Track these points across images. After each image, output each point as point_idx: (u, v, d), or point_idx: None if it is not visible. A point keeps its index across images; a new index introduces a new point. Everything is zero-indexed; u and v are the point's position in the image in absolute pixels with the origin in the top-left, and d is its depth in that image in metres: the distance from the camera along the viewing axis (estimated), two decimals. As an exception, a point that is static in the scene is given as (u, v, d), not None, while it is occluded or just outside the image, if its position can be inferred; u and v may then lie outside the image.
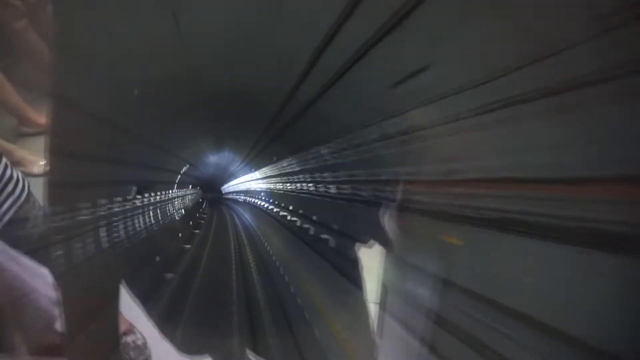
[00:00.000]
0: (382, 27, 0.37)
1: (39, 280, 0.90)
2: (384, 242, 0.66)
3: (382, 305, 0.73)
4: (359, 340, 0.75)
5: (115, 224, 0.63)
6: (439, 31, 0.35)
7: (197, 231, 0.74)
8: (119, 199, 0.64)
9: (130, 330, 1.15)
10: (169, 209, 0.71)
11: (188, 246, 0.73)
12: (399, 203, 0.56)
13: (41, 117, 1.93)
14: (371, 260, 0.73)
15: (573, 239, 0.30)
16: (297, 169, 0.63)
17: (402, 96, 0.43)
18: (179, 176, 0.72)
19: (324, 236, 0.68)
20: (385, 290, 0.70)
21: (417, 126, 0.45)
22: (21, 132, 1.98)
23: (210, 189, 0.73)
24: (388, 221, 0.60)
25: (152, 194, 0.69)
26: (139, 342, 1.15)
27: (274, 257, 0.72)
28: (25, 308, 0.87)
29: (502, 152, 0.36)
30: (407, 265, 0.62)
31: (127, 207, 0.65)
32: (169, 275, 0.72)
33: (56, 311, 0.90)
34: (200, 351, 0.85)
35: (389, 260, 0.69)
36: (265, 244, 0.74)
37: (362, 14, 0.39)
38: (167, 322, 0.78)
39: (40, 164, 1.79)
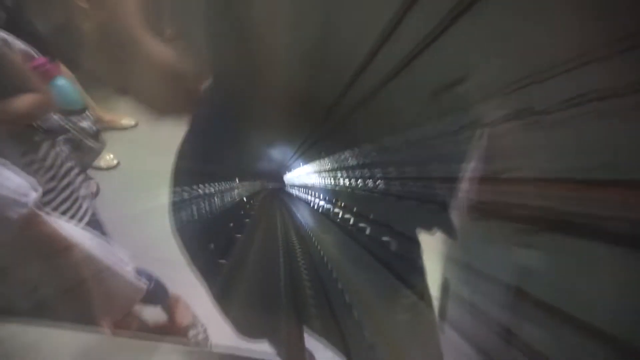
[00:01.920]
0: (441, 22, 0.38)
1: (115, 258, 1.01)
2: (444, 243, 0.66)
3: (442, 313, 0.72)
4: (411, 345, 0.76)
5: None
6: (500, 26, 0.35)
7: (247, 220, 0.79)
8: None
9: (194, 324, 1.24)
10: (226, 199, 0.77)
11: (239, 235, 0.78)
12: (462, 202, 0.56)
13: (107, 115, 2.13)
14: (431, 263, 0.73)
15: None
16: (350, 164, 0.65)
17: (463, 93, 0.44)
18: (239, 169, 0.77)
19: (384, 238, 0.69)
20: (445, 296, 0.70)
21: (480, 122, 0.45)
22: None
23: (273, 179, 0.78)
24: (450, 221, 0.60)
25: (213, 184, 0.75)
26: (200, 337, 1.23)
27: (322, 254, 0.75)
28: (104, 282, 0.97)
29: (564, 153, 0.35)
30: (471, 270, 0.62)
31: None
32: (222, 262, 0.79)
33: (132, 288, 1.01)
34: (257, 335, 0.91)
35: (450, 263, 0.69)
36: (315, 242, 0.76)
37: (423, 8, 0.40)
38: (223, 304, 0.85)
39: (108, 158, 1.97)
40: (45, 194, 0.97)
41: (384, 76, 0.51)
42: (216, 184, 0.76)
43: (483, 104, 0.42)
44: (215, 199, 0.77)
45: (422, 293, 0.73)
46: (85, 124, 1.13)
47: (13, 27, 1.37)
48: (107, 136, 2.12)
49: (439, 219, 0.63)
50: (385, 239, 0.69)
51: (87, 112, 1.12)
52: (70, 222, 1.04)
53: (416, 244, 0.70)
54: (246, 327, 0.93)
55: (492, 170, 0.48)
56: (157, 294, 1.39)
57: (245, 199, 0.78)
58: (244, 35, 0.60)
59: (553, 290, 0.41)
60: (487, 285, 0.54)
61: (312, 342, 0.93)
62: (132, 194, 1.79)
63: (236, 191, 0.78)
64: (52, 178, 1.02)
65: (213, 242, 0.80)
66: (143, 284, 1.09)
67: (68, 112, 1.09)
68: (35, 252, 0.85)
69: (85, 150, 1.15)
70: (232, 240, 0.78)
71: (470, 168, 0.51)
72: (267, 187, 0.80)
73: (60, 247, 0.88)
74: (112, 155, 2.01)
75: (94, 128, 1.15)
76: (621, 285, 0.33)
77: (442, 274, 0.70)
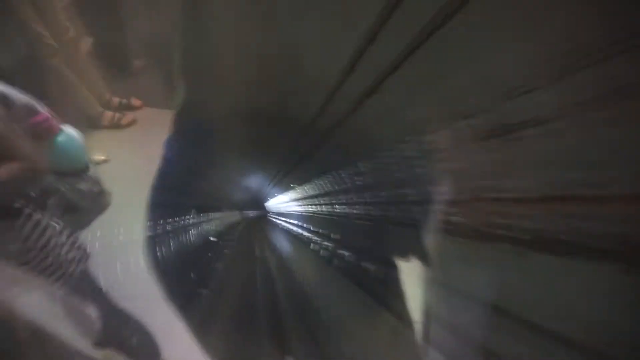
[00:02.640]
0: (412, 41, 0.39)
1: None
2: (423, 265, 0.67)
3: (426, 335, 0.73)
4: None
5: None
6: (468, 47, 0.37)
7: (225, 251, 0.79)
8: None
9: None
10: (205, 229, 0.76)
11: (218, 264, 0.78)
12: (435, 224, 0.57)
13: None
14: (409, 285, 0.74)
15: (616, 258, 0.31)
16: (326, 190, 0.65)
17: (431, 114, 0.45)
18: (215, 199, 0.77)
19: (351, 257, 0.69)
20: (427, 318, 0.70)
21: (445, 144, 0.47)
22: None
23: (254, 207, 0.78)
24: (425, 243, 0.61)
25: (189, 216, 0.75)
26: None
27: (301, 280, 0.75)
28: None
29: (538, 169, 0.36)
30: (451, 291, 0.62)
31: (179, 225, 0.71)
32: (203, 291, 0.77)
33: None
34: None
35: (430, 285, 0.70)
36: (294, 269, 0.76)
37: (394, 28, 0.42)
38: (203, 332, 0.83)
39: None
40: (22, 263, 0.90)
41: (355, 100, 0.52)
42: (191, 216, 0.76)
43: (456, 123, 0.43)
44: (192, 231, 0.76)
45: (402, 316, 0.73)
46: (84, 185, 1.03)
47: None
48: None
49: (416, 242, 0.64)
50: (364, 264, 0.70)
51: (88, 173, 1.03)
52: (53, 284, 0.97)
53: (395, 268, 0.70)
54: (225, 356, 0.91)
55: (468, 189, 0.49)
56: (146, 351, 1.30)
57: (225, 228, 0.78)
58: (215, 62, 0.61)
59: (534, 307, 0.42)
60: (467, 305, 0.54)
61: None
62: (107, 227, 1.75)
63: (214, 222, 0.78)
64: (30, 248, 0.91)
65: (193, 272, 0.79)
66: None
67: (67, 173, 1.00)
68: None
69: (82, 212, 1.07)
70: (212, 270, 0.77)
71: (444, 189, 0.52)
72: (247, 216, 0.80)
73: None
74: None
75: (95, 189, 1.06)
76: (609, 301, 0.34)
77: (422, 297, 0.71)
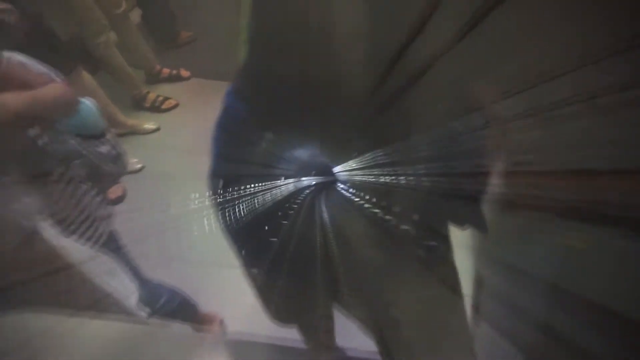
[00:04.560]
0: (462, 27, 0.42)
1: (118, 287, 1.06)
2: (476, 237, 0.70)
3: (476, 307, 0.76)
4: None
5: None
6: (512, 33, 0.39)
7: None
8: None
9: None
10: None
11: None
12: (490, 196, 0.59)
13: (129, 120, 2.25)
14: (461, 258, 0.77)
15: None
16: (384, 161, 0.69)
17: (483, 92, 0.48)
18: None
19: (407, 228, 0.73)
20: (479, 289, 0.73)
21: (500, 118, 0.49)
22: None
23: (322, 173, 0.83)
24: (478, 215, 0.64)
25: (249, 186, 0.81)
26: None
27: (356, 246, 0.80)
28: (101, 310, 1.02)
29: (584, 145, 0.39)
30: (501, 264, 0.65)
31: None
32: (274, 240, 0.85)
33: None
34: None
35: (482, 257, 0.73)
36: (350, 235, 0.81)
37: (446, 12, 0.45)
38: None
39: (131, 162, 2.07)
40: (57, 221, 0.99)
41: (414, 73, 0.55)
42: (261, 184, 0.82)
43: (500, 101, 0.46)
44: (259, 197, 0.83)
45: (454, 287, 0.77)
46: (104, 148, 1.12)
47: (35, 38, 1.44)
48: (130, 140, 2.25)
49: (470, 214, 0.66)
50: (419, 234, 0.73)
51: (107, 137, 1.12)
52: (85, 244, 1.06)
53: (447, 239, 0.73)
54: (283, 310, 0.99)
55: (511, 163, 0.52)
56: (183, 312, 1.42)
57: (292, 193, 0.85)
58: (280, 29, 0.65)
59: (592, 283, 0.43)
60: (522, 279, 0.55)
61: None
62: (159, 199, 1.88)
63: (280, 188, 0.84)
64: (64, 206, 1.03)
65: (264, 227, 0.86)
66: (144, 315, 1.13)
67: (86, 137, 1.09)
68: (31, 270, 0.87)
69: (103, 175, 1.17)
70: (280, 226, 0.84)
71: (492, 163, 0.55)
72: (313, 183, 0.85)
73: (58, 268, 0.91)
74: (135, 160, 2.11)
75: (114, 152, 1.15)
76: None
77: (474, 269, 0.74)
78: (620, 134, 0.35)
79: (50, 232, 0.93)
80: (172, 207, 1.63)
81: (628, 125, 0.34)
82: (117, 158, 1.17)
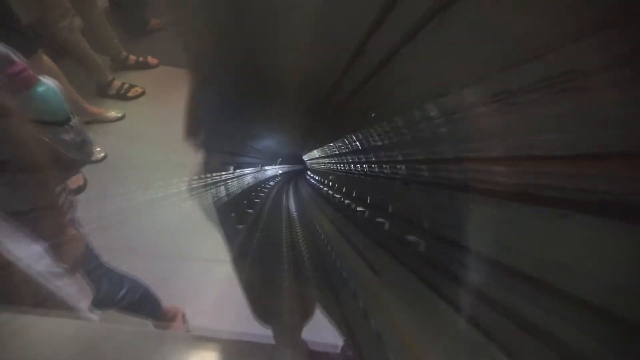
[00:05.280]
0: (428, 11, 0.43)
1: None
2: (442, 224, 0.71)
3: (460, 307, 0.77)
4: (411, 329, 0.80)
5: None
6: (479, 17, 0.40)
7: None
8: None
9: None
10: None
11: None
12: (457, 182, 0.60)
13: (92, 108, 2.20)
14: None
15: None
16: (350, 149, 0.69)
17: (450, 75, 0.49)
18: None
19: (379, 219, 0.73)
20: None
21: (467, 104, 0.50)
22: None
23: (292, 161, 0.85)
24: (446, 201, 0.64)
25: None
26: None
27: (323, 236, 0.80)
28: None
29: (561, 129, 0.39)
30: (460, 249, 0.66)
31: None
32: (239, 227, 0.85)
33: None
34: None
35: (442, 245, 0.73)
36: (317, 226, 0.82)
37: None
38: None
39: (96, 150, 2.02)
40: (13, 214, 0.93)
41: (380, 59, 0.55)
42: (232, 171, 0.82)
43: (476, 84, 0.47)
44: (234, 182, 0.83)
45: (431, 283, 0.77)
46: (67, 136, 1.05)
47: None
48: (94, 128, 2.19)
49: (433, 199, 0.66)
50: (381, 220, 0.74)
51: (71, 123, 1.04)
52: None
53: (410, 223, 0.74)
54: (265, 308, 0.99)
55: (482, 148, 0.52)
56: (145, 305, 1.39)
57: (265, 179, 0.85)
58: (247, 23, 0.64)
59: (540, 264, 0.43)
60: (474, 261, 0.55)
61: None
62: (120, 188, 1.84)
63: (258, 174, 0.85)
64: (23, 198, 0.96)
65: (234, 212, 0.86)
66: (95, 318, 1.08)
67: (48, 124, 1.02)
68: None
69: (66, 163, 1.12)
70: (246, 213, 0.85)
71: (460, 148, 0.55)
72: (285, 170, 0.86)
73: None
74: (99, 148, 2.06)
75: (78, 139, 1.10)
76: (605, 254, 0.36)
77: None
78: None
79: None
80: (133, 197, 1.60)
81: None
82: (82, 146, 1.14)
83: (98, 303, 1.23)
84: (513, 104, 0.42)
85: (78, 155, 1.13)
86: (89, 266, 1.18)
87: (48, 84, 0.99)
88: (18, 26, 1.62)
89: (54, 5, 1.97)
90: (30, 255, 0.99)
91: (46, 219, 0.97)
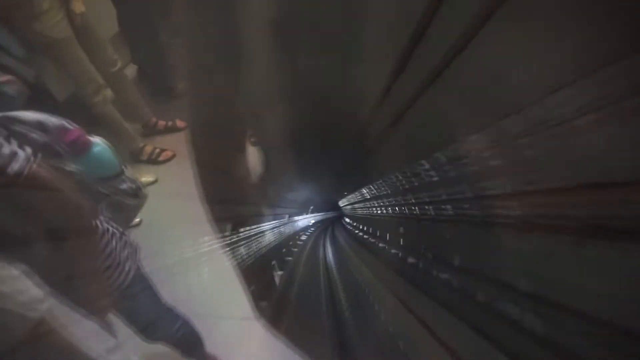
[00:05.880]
0: (448, 51, 0.44)
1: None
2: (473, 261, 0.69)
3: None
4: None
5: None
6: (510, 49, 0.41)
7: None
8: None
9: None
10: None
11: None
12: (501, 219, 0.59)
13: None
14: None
15: None
16: (385, 192, 0.70)
17: (472, 116, 0.49)
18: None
19: (410, 260, 0.72)
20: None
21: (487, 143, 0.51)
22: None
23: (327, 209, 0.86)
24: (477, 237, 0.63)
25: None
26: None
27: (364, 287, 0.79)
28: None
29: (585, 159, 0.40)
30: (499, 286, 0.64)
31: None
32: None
33: None
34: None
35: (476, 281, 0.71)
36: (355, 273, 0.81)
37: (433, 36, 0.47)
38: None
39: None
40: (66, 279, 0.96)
41: (401, 108, 0.57)
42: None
43: (495, 122, 0.48)
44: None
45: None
46: (125, 185, 1.16)
47: (35, 101, 1.48)
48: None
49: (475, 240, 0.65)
50: (433, 270, 0.72)
51: (125, 172, 1.14)
52: (114, 285, 1.07)
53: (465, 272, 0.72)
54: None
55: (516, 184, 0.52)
56: (192, 343, 1.43)
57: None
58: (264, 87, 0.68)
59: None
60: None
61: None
62: (157, 250, 1.87)
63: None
64: (94, 259, 1.04)
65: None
66: None
67: (106, 178, 1.12)
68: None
69: (127, 209, 1.19)
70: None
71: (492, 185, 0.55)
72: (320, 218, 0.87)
73: None
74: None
75: (133, 186, 1.19)
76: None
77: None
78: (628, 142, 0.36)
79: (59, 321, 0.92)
80: (167, 256, 1.62)
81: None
82: (137, 191, 1.21)
83: (153, 335, 1.28)
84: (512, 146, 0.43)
85: (135, 201, 1.23)
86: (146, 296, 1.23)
87: (100, 142, 1.11)
88: (56, 104, 1.71)
89: (87, 83, 2.10)
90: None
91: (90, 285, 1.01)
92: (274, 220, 0.86)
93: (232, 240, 0.83)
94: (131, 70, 2.70)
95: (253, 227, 0.82)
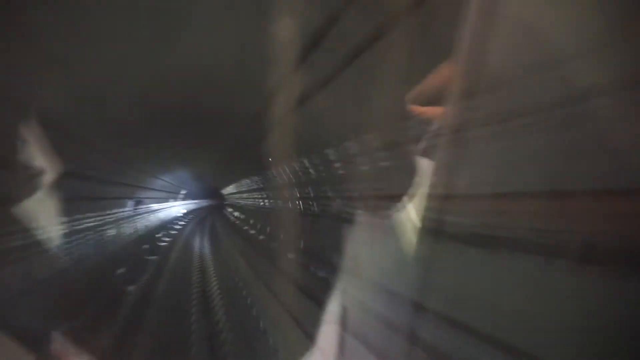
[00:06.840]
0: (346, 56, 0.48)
1: None
2: (352, 259, 0.74)
3: (343, 324, 0.79)
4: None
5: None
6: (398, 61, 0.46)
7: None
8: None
9: None
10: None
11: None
12: (368, 218, 0.64)
13: None
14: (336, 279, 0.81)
15: (563, 254, 0.36)
16: (262, 185, 0.72)
17: (363, 120, 0.54)
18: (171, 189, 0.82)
19: (290, 255, 0.75)
20: (345, 310, 0.77)
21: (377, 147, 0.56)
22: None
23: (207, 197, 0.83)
24: (357, 236, 0.68)
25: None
26: None
27: (236, 278, 0.80)
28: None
29: (487, 166, 0.43)
30: (372, 285, 0.70)
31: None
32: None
33: None
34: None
35: (353, 279, 0.77)
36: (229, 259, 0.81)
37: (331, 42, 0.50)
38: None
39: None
40: None
41: (295, 101, 0.59)
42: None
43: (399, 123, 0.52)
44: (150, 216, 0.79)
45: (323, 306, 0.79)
46: None
47: None
48: None
49: (341, 234, 0.70)
50: (290, 255, 0.75)
51: None
52: None
53: (319, 259, 0.76)
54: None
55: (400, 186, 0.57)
56: None
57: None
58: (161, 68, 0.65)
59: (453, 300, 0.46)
60: (387, 297, 0.58)
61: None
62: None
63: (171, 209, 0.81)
64: None
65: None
66: None
67: None
68: None
69: None
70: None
71: (371, 187, 0.61)
72: (202, 205, 0.84)
73: None
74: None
75: None
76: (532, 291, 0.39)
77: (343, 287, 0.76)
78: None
79: None
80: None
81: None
82: None
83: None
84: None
85: None
86: None
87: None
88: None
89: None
90: None
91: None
92: (147, 204, 0.83)
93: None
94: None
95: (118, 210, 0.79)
